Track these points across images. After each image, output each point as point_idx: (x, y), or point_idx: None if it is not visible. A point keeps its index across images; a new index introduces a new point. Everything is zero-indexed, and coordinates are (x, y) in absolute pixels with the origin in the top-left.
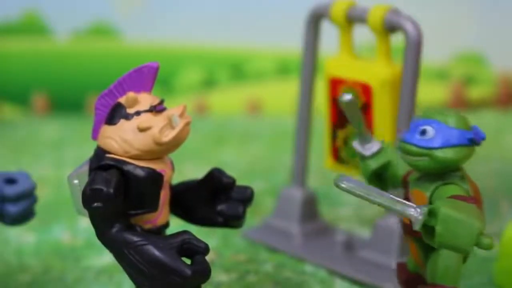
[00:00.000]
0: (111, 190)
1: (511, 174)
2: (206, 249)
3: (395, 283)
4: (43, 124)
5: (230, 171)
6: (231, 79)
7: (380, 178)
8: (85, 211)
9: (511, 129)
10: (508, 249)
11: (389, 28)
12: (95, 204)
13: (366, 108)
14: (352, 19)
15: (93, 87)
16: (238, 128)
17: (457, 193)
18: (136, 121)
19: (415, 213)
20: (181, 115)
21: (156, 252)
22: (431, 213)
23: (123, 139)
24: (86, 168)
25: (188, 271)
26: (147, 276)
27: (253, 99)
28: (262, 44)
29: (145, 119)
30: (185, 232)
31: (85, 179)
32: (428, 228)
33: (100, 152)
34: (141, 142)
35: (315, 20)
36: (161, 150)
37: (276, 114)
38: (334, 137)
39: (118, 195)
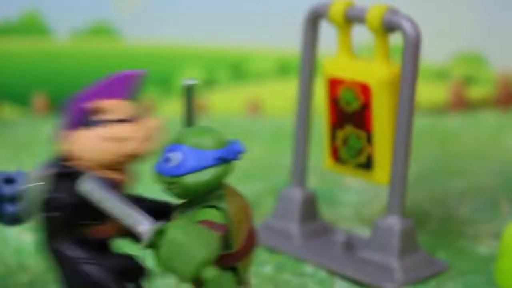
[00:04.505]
0: (74, 200)
1: (511, 174)
2: (147, 274)
3: (395, 283)
4: (43, 124)
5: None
6: (231, 79)
7: None
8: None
9: (511, 129)
10: (508, 249)
11: (388, 28)
12: (54, 213)
13: (365, 108)
14: (351, 19)
15: None
16: (237, 128)
17: (207, 218)
18: (105, 130)
19: (144, 230)
20: (154, 128)
21: (96, 273)
22: (161, 233)
23: (88, 147)
24: (45, 172)
25: None
26: None
27: (253, 99)
28: (262, 44)
29: (116, 129)
30: (129, 256)
31: (41, 183)
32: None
33: (61, 157)
34: (107, 152)
35: (314, 20)
36: (125, 162)
37: (276, 114)
38: (333, 137)
39: (79, 206)
